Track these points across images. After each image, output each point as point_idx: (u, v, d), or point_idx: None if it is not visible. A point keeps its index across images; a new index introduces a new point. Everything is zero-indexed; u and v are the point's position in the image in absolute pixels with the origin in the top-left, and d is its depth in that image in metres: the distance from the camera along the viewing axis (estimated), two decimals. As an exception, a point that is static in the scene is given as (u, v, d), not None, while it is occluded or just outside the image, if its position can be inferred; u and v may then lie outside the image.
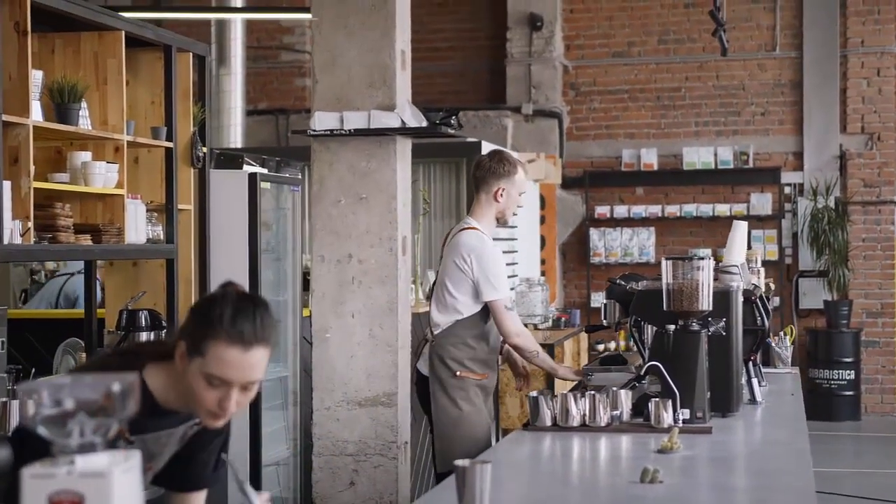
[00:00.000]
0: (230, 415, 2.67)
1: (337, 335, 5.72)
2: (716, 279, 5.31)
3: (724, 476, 3.76)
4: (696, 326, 4.54)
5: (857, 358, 12.43)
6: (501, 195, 5.24)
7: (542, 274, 12.35)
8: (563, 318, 11.32)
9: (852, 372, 12.36)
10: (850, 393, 12.37)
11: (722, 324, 4.67)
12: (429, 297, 8.47)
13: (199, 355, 2.58)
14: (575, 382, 5.47)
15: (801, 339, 12.73)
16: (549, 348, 9.47)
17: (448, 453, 5.15)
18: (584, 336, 11.36)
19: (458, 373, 5.19)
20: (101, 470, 1.81)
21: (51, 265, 8.92)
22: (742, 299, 4.91)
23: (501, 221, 5.32)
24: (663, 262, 4.60)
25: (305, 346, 6.75)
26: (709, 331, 4.59)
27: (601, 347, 11.56)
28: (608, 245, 13.07)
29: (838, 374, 12.34)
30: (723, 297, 4.71)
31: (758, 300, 5.20)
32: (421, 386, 5.39)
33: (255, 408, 6.32)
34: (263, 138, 13.16)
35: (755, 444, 4.46)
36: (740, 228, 5.76)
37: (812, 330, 12.61)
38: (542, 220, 12.58)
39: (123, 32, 5.26)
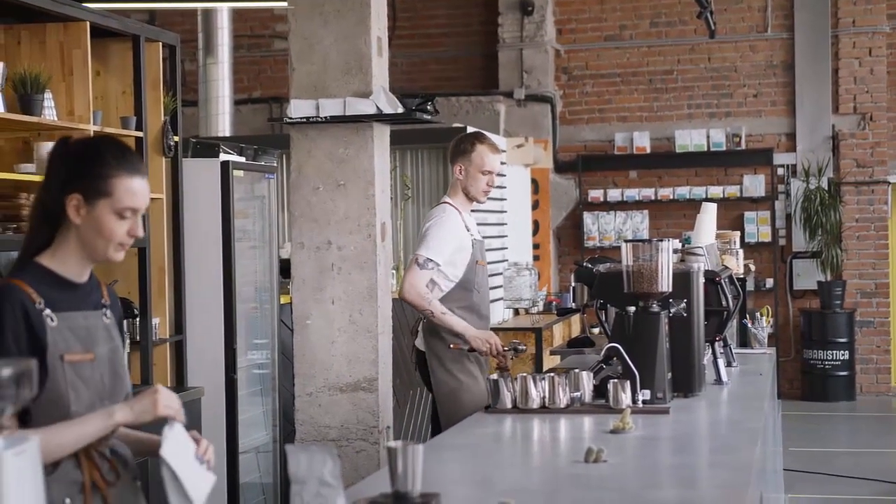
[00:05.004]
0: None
1: (317, 321, 5.74)
2: (682, 261, 5.34)
3: (668, 455, 3.78)
4: (656, 308, 4.56)
5: (851, 338, 12.42)
6: (461, 172, 5.49)
7: (536, 259, 12.36)
8: (555, 303, 11.33)
9: (846, 352, 12.35)
10: (845, 373, 12.37)
11: (683, 305, 4.68)
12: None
13: (106, 196, 2.83)
14: (509, 354, 5.46)
15: (796, 320, 12.74)
16: (536, 332, 9.51)
17: (452, 425, 5.21)
18: (576, 319, 11.36)
19: (451, 345, 5.32)
20: (-9, 453, 1.85)
21: None
22: (703, 280, 4.91)
23: (471, 198, 5.51)
24: (622, 245, 4.62)
25: (284, 332, 6.78)
26: (669, 312, 4.60)
27: (597, 331, 11.51)
28: (602, 229, 13.07)
29: (832, 354, 12.34)
30: (684, 279, 4.72)
31: (723, 281, 5.20)
32: (420, 363, 5.48)
33: (230, 394, 6.36)
34: (257, 126, 13.20)
35: (710, 424, 4.47)
36: (709, 211, 5.79)
37: (806, 311, 12.61)
38: (536, 204, 12.59)
39: (88, 23, 5.28)
